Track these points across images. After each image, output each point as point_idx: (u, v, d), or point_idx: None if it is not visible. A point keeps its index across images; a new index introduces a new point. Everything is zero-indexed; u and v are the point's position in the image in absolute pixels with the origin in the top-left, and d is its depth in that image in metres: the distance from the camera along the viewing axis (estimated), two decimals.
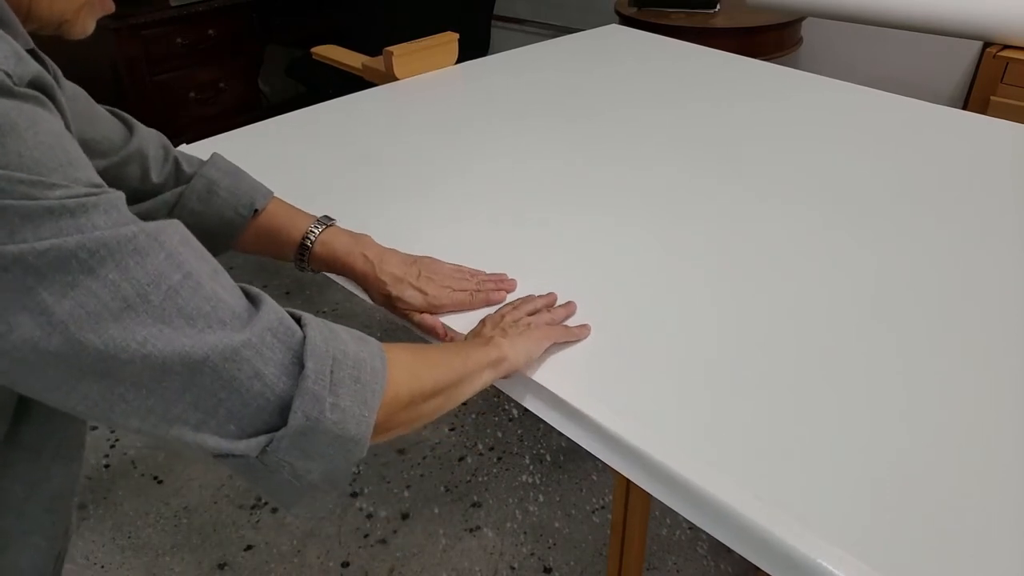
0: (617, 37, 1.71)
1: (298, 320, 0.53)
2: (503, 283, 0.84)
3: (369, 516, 1.59)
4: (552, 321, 0.76)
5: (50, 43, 0.57)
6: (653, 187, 1.05)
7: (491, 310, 0.79)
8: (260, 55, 2.37)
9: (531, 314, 0.76)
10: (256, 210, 0.81)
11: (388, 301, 0.80)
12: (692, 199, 1.02)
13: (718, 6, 2.26)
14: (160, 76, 2.12)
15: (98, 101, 0.78)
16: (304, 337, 0.51)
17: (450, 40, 1.50)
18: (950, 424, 0.65)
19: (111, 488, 1.67)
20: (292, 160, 1.13)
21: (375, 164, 1.12)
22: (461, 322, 0.79)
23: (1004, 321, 0.78)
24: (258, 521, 1.59)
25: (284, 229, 0.82)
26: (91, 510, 1.62)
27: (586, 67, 1.52)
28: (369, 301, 0.83)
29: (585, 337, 0.76)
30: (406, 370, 0.58)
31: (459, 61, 1.54)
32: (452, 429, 1.81)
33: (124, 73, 2.05)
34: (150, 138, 0.78)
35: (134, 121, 0.78)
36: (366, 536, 1.55)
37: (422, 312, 0.79)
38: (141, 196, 0.77)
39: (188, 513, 1.61)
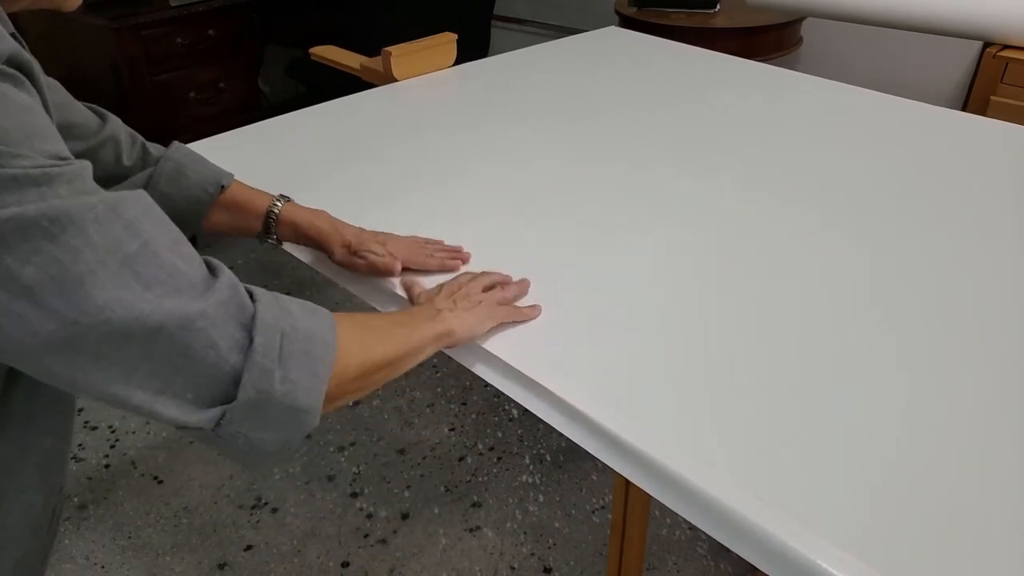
0: (617, 39, 1.71)
1: (251, 295, 0.55)
2: (459, 254, 0.89)
3: (369, 516, 1.60)
4: (504, 300, 0.80)
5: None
6: (653, 188, 1.05)
7: (446, 277, 0.84)
8: (260, 55, 2.37)
9: (487, 288, 0.80)
10: (223, 186, 0.85)
11: (349, 254, 0.85)
12: (692, 200, 1.02)
13: (718, 6, 2.26)
14: (160, 76, 2.12)
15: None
16: (254, 313, 0.53)
17: (448, 41, 1.50)
18: (950, 424, 0.65)
19: (111, 488, 1.67)
20: (292, 160, 1.13)
21: (375, 164, 1.12)
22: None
23: (1004, 320, 0.78)
24: (258, 521, 1.59)
25: (249, 204, 0.87)
26: (91, 510, 1.62)
27: (586, 69, 1.52)
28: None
29: (534, 318, 0.79)
30: (356, 343, 0.61)
31: (459, 61, 1.54)
32: (452, 429, 1.81)
33: (124, 73, 2.04)
34: (119, 124, 0.83)
35: (104, 110, 0.82)
36: (366, 536, 1.55)
37: (380, 256, 0.84)
38: (115, 179, 0.81)
39: (188, 513, 1.61)
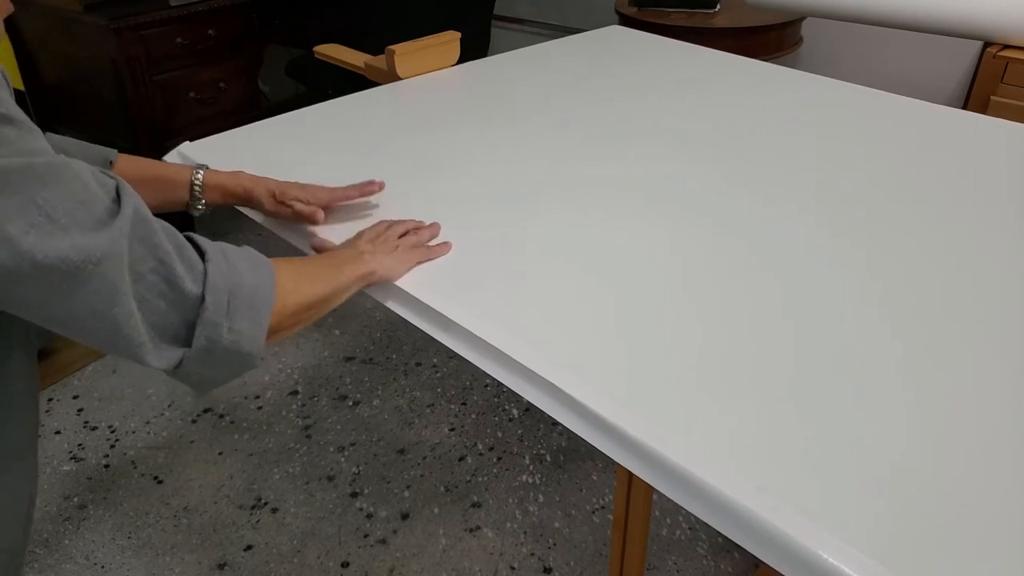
0: (618, 38, 1.71)
1: (203, 253, 0.62)
2: (367, 187, 0.98)
3: (369, 516, 1.59)
4: (418, 243, 0.89)
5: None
6: (655, 186, 1.05)
7: (366, 222, 0.94)
8: (260, 55, 2.37)
9: (403, 234, 0.89)
10: (111, 162, 0.90)
11: (276, 203, 0.94)
12: (694, 198, 1.02)
13: (718, 6, 2.26)
14: (160, 76, 2.11)
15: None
16: (205, 273, 0.60)
17: (452, 39, 1.50)
18: (954, 417, 0.65)
19: (111, 488, 1.67)
20: (292, 160, 1.13)
21: (376, 163, 1.12)
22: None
23: (1006, 313, 0.78)
24: (258, 521, 1.59)
25: (174, 176, 0.93)
26: (91, 510, 1.62)
27: (588, 67, 1.52)
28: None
29: (445, 254, 0.89)
30: (292, 285, 0.70)
31: (459, 62, 1.54)
32: (452, 429, 1.81)
33: (124, 73, 2.04)
34: None
35: None
36: (366, 536, 1.55)
37: (305, 204, 0.93)
38: None
39: (188, 513, 1.61)
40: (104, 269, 0.53)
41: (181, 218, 0.99)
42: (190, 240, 0.62)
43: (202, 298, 0.59)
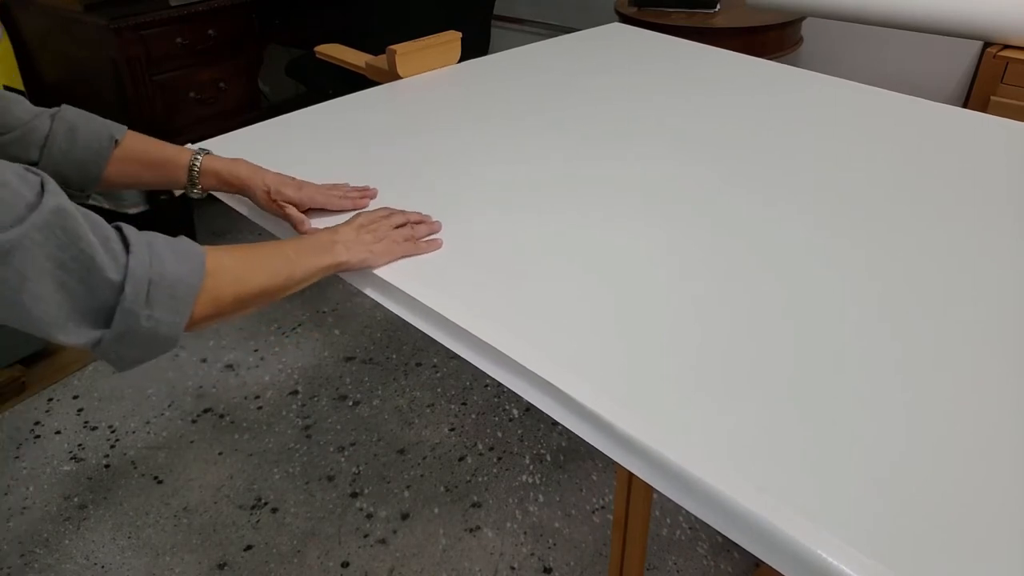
0: (619, 36, 1.71)
1: (127, 244, 0.65)
2: (366, 192, 1.01)
3: (369, 516, 1.59)
4: (410, 236, 0.89)
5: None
6: (655, 186, 1.05)
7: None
8: (260, 55, 2.37)
9: (399, 225, 0.90)
10: (116, 140, 0.93)
11: (268, 197, 0.95)
12: (694, 198, 1.02)
13: (718, 6, 2.26)
14: (160, 76, 2.11)
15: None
16: (127, 265, 0.64)
17: (453, 39, 1.51)
18: (954, 417, 0.65)
19: (111, 488, 1.67)
20: (292, 160, 1.13)
21: (376, 163, 1.12)
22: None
23: (1006, 317, 0.78)
24: (258, 521, 1.59)
25: (173, 159, 0.96)
26: (91, 510, 1.62)
27: (589, 66, 1.52)
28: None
29: (434, 250, 0.89)
30: (229, 275, 0.73)
31: (459, 62, 1.54)
32: (452, 429, 1.81)
33: (124, 73, 2.04)
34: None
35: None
36: (366, 536, 1.55)
37: (298, 205, 0.95)
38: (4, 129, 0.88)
39: (188, 513, 1.61)
40: (12, 259, 0.58)
41: (181, 204, 1.01)
42: (120, 231, 0.66)
43: (122, 287, 0.63)
